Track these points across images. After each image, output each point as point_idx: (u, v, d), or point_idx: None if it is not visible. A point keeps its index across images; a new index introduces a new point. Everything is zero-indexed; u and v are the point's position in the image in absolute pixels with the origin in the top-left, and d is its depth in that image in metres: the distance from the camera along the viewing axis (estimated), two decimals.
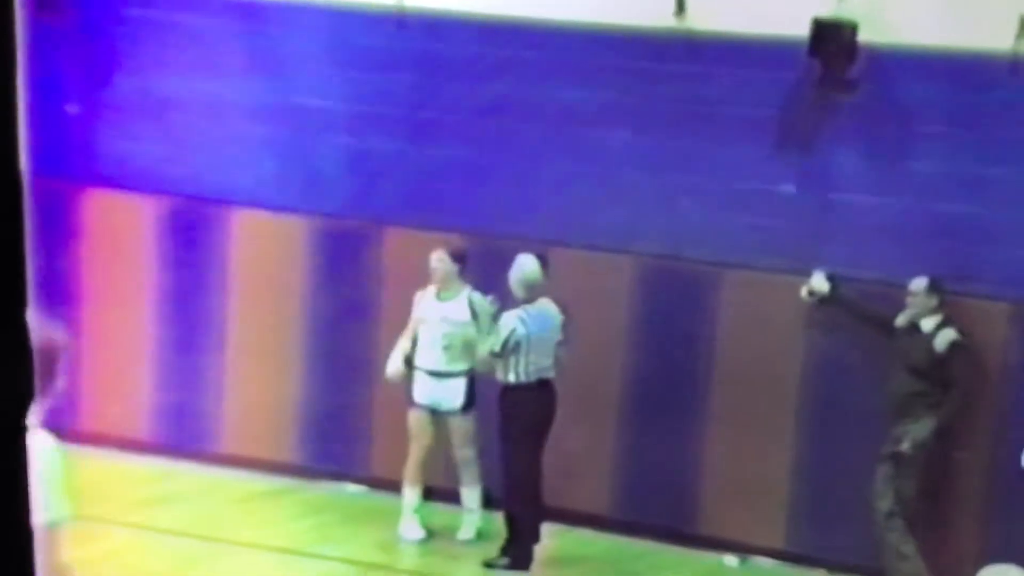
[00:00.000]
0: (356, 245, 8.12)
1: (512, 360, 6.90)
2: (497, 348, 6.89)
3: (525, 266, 6.95)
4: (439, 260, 7.28)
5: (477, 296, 7.24)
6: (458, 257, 7.29)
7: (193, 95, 8.34)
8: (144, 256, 8.55)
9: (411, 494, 7.36)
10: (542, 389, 6.96)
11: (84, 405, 8.60)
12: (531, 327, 6.89)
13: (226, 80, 8.27)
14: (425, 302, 7.32)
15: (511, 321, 6.91)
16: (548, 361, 6.97)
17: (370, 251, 8.08)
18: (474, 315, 7.19)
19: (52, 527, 3.30)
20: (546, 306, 6.99)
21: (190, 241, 8.47)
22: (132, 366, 8.61)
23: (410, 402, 7.34)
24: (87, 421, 8.55)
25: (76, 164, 8.55)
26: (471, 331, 7.17)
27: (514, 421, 6.92)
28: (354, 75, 8.04)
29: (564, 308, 7.08)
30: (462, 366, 7.23)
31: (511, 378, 6.92)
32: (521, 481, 6.90)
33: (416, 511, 7.39)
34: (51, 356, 2.95)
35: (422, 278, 7.44)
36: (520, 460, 6.89)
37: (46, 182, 8.56)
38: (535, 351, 6.92)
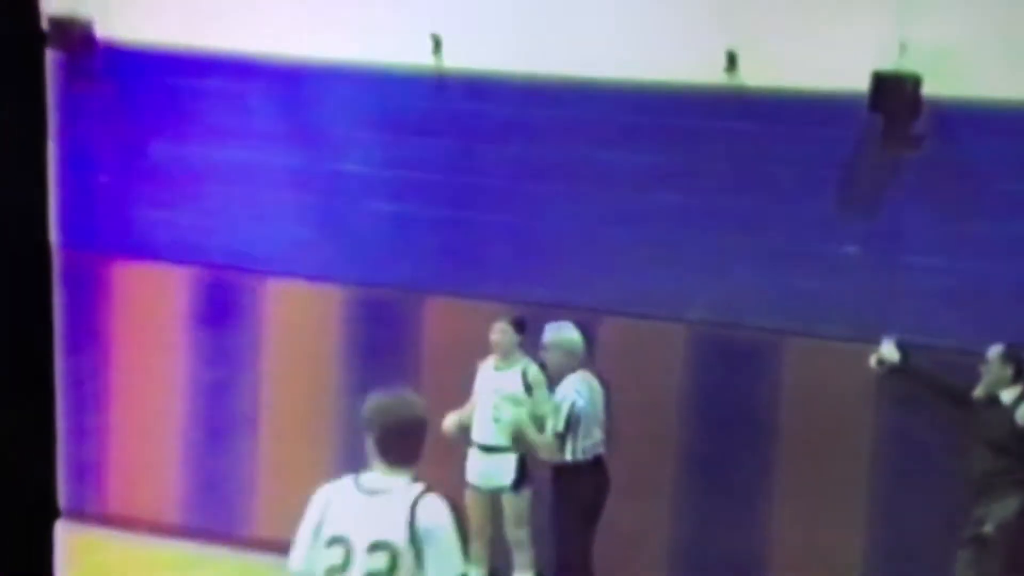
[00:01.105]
0: (395, 316, 7.87)
1: (569, 436, 6.53)
2: (561, 427, 6.52)
3: (567, 334, 6.63)
4: (502, 332, 7.02)
5: (533, 368, 6.94)
6: (520, 327, 7.02)
7: (226, 162, 8.19)
8: (175, 330, 8.37)
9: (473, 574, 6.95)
10: (597, 466, 6.62)
11: (111, 486, 8.35)
12: (585, 397, 6.55)
13: (260, 146, 8.12)
14: (483, 373, 7.07)
15: (569, 394, 6.56)
16: (600, 436, 6.63)
17: (410, 322, 7.81)
18: (527, 388, 6.90)
19: None
20: (589, 378, 6.65)
21: (223, 313, 8.27)
22: (162, 445, 8.38)
23: (465, 482, 6.98)
24: (114, 503, 8.31)
25: (106, 235, 8.40)
26: (523, 406, 6.84)
27: (570, 502, 6.55)
28: (392, 139, 7.86)
29: (603, 380, 6.71)
30: (506, 440, 6.89)
31: (567, 456, 6.55)
32: (574, 566, 6.54)
33: None
34: None
35: (465, 350, 7.16)
36: (573, 543, 6.54)
37: (76, 254, 8.40)
38: (589, 425, 6.59)
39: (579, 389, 6.55)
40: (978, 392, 6.68)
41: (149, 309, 8.40)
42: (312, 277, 8.00)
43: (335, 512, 3.82)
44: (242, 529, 8.19)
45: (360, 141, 7.89)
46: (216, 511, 8.23)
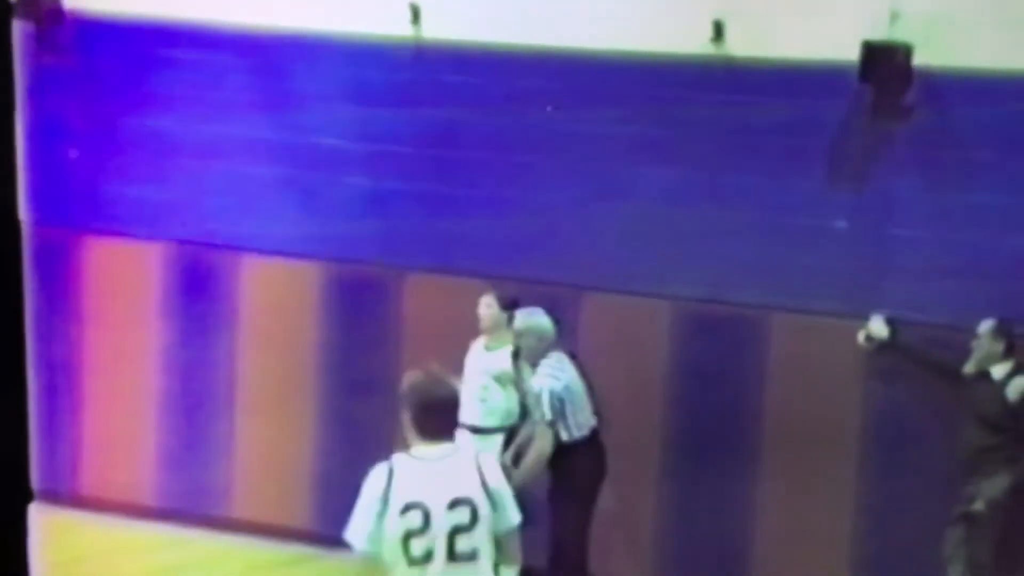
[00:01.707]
0: (374, 293, 7.72)
1: (559, 421, 6.44)
2: (548, 415, 6.41)
3: (538, 320, 6.56)
4: (487, 306, 6.90)
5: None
6: (509, 304, 6.85)
7: (199, 135, 8.01)
8: (148, 307, 8.20)
9: None
10: (593, 442, 6.55)
11: (84, 468, 8.20)
12: (563, 379, 6.46)
13: (234, 119, 7.94)
14: (473, 353, 6.93)
15: (544, 382, 6.45)
16: (591, 409, 6.56)
17: (389, 299, 7.67)
18: (518, 369, 6.76)
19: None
20: (561, 358, 6.56)
21: (197, 290, 8.11)
22: (136, 425, 8.24)
23: None
24: (88, 486, 8.16)
25: (76, 210, 8.22)
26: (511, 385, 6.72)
27: (567, 480, 6.47)
28: (370, 111, 7.68)
29: (575, 357, 6.62)
30: (497, 422, 6.77)
31: (564, 437, 6.46)
32: (569, 547, 6.45)
33: None
34: None
35: (445, 327, 7.02)
36: (569, 523, 6.44)
37: (45, 230, 8.22)
38: (576, 403, 6.50)
39: (554, 373, 6.46)
40: (969, 368, 6.60)
41: (122, 286, 8.24)
42: (289, 253, 7.84)
43: (401, 484, 4.01)
44: (219, 510, 8.05)
45: (337, 114, 7.72)
46: (192, 492, 8.09)
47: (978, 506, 6.36)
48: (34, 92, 8.24)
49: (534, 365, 6.51)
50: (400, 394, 4.15)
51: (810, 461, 6.87)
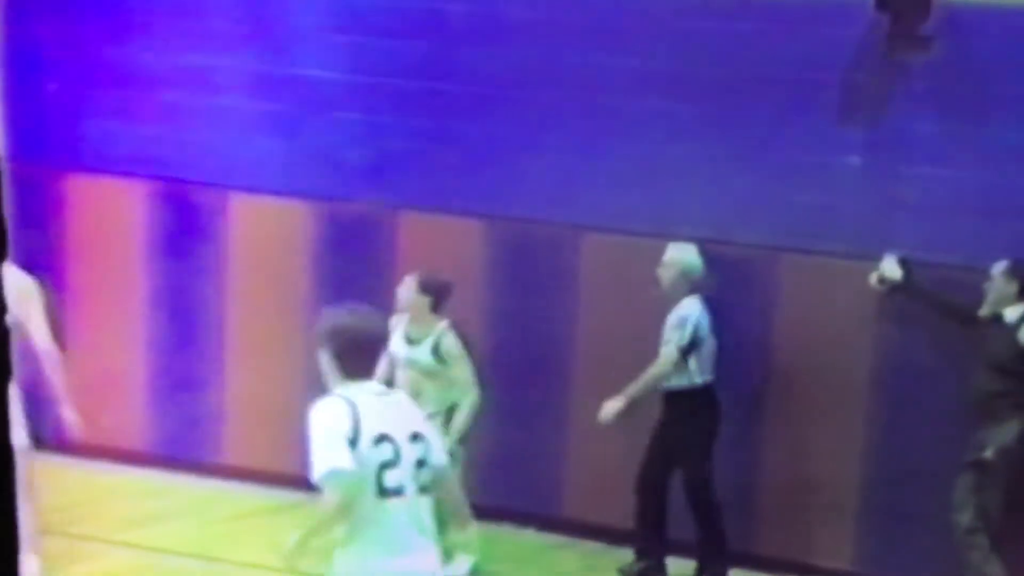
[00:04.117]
0: (367, 232, 7.50)
1: (693, 354, 6.45)
2: (685, 340, 6.40)
3: (685, 255, 6.50)
4: (404, 287, 6.33)
5: (448, 338, 6.29)
6: (429, 288, 6.30)
7: (184, 69, 7.74)
8: (133, 247, 7.98)
9: None
10: (710, 392, 6.57)
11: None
12: (704, 321, 6.50)
13: (220, 51, 7.66)
14: (395, 340, 6.32)
15: (693, 311, 6.44)
16: (711, 363, 6.57)
17: (383, 238, 7.45)
18: (441, 360, 6.28)
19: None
20: (702, 305, 6.52)
21: (183, 230, 7.88)
22: (123, 369, 8.06)
23: None
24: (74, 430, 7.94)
25: (57, 147, 7.94)
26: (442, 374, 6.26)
27: (691, 426, 6.51)
28: (360, 42, 7.39)
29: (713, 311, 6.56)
30: (434, 408, 6.20)
31: (696, 380, 6.48)
32: (709, 494, 6.54)
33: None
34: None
35: (440, 267, 6.78)
36: (702, 468, 6.51)
37: (24, 167, 7.92)
38: (707, 347, 6.52)
39: (701, 311, 6.46)
40: (983, 311, 6.42)
41: (104, 225, 8.02)
42: (277, 191, 7.62)
43: (367, 414, 3.98)
44: (209, 455, 7.89)
45: (326, 44, 7.45)
46: (180, 437, 7.93)
47: (988, 453, 6.25)
48: (11, 23, 7.93)
49: (673, 299, 6.46)
50: (321, 333, 4.09)
51: (818, 405, 6.73)
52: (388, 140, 7.44)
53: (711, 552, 6.62)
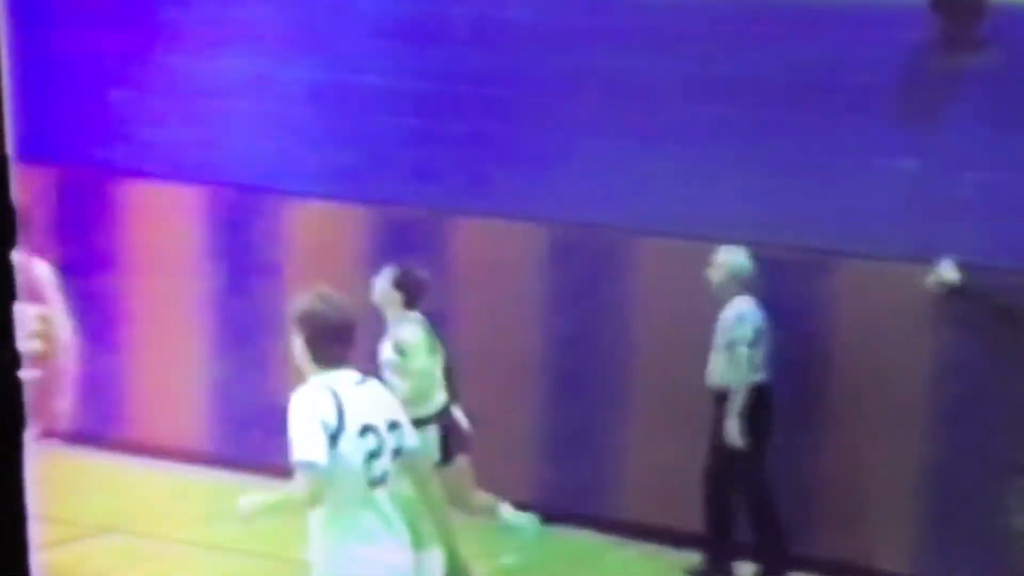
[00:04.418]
0: (418, 236, 7.51)
1: (755, 349, 6.52)
2: (750, 335, 6.48)
3: (735, 257, 6.55)
4: (381, 280, 6.02)
5: (406, 330, 5.95)
6: (403, 284, 5.98)
7: (235, 73, 7.74)
8: (191, 252, 8.03)
9: None
10: (765, 392, 6.61)
11: (132, 413, 8.13)
12: (759, 321, 6.56)
13: (271, 56, 7.66)
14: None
15: (747, 307, 6.52)
16: (762, 360, 6.62)
17: (434, 242, 7.46)
18: (400, 352, 5.94)
19: None
20: (754, 305, 6.58)
21: (239, 235, 7.92)
22: (182, 371, 8.10)
23: None
24: (135, 430, 8.09)
25: (108, 151, 7.97)
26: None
27: (752, 430, 6.53)
28: (412, 48, 7.38)
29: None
30: (423, 411, 5.86)
31: (758, 377, 6.54)
32: (766, 487, 6.59)
33: None
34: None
35: (490, 271, 6.83)
36: (760, 475, 6.58)
37: (75, 172, 8.03)
38: (761, 345, 6.57)
39: (753, 310, 6.53)
40: None
41: (157, 232, 8.04)
42: (329, 196, 7.61)
43: (350, 404, 4.00)
44: (270, 458, 7.94)
45: (381, 51, 7.43)
46: (245, 438, 7.90)
47: None
48: (64, 27, 7.97)
49: (724, 298, 6.53)
50: (293, 318, 4.11)
51: (875, 410, 6.68)
52: (441, 145, 7.44)
53: (771, 556, 6.63)
